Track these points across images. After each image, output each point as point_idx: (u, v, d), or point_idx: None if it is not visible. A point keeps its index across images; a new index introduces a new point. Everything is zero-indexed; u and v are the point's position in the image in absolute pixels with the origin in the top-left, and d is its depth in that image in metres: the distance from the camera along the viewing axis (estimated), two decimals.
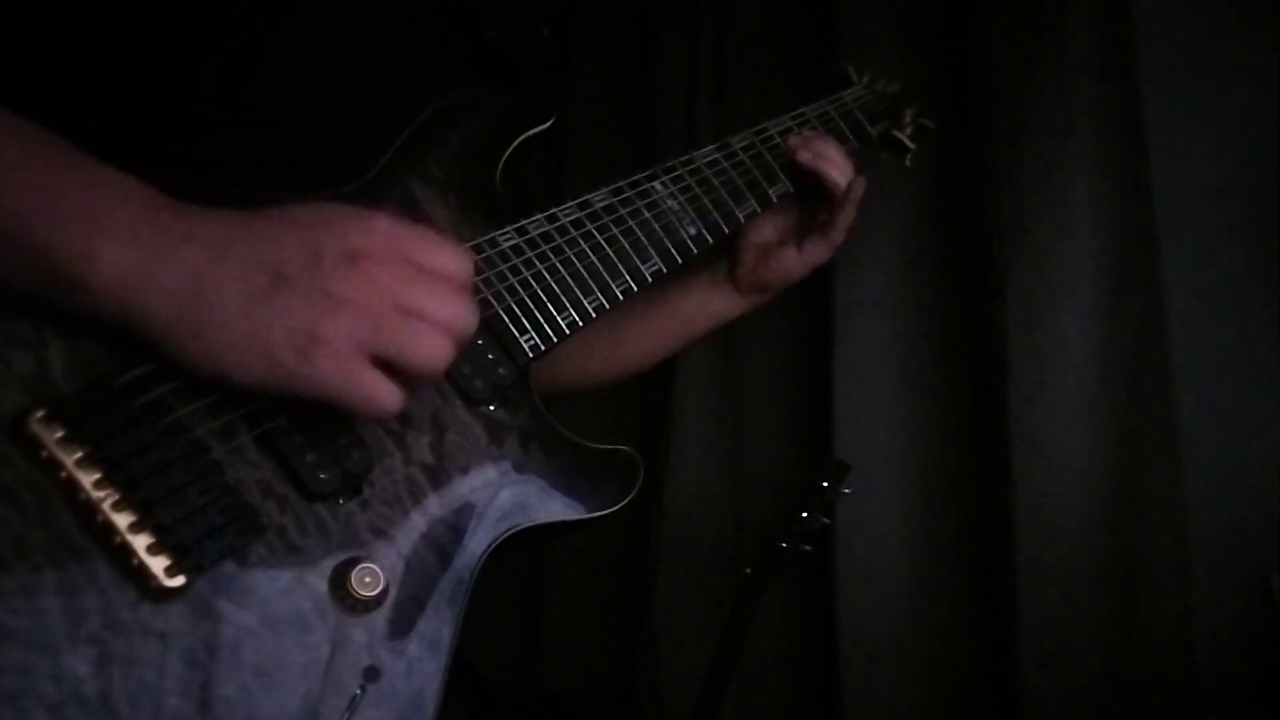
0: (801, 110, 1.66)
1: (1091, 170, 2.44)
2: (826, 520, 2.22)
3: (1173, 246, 2.41)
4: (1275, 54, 2.43)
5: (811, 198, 1.60)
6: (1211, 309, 2.48)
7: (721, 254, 1.62)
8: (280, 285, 0.90)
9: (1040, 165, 2.47)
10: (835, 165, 1.56)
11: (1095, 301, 2.44)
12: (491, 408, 1.16)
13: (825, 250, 1.62)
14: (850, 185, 1.57)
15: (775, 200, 1.55)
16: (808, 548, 2.19)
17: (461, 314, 0.97)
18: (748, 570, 2.22)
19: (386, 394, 0.94)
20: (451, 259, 0.99)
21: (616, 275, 1.31)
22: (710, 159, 1.50)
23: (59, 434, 0.87)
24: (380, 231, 0.95)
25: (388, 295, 0.93)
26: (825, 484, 2.22)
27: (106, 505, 0.88)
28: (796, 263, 1.62)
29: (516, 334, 1.19)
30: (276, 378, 0.92)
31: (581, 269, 1.28)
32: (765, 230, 1.61)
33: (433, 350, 0.95)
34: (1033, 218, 2.48)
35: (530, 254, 1.24)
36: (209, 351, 0.90)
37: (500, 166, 1.29)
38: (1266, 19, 2.44)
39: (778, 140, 1.59)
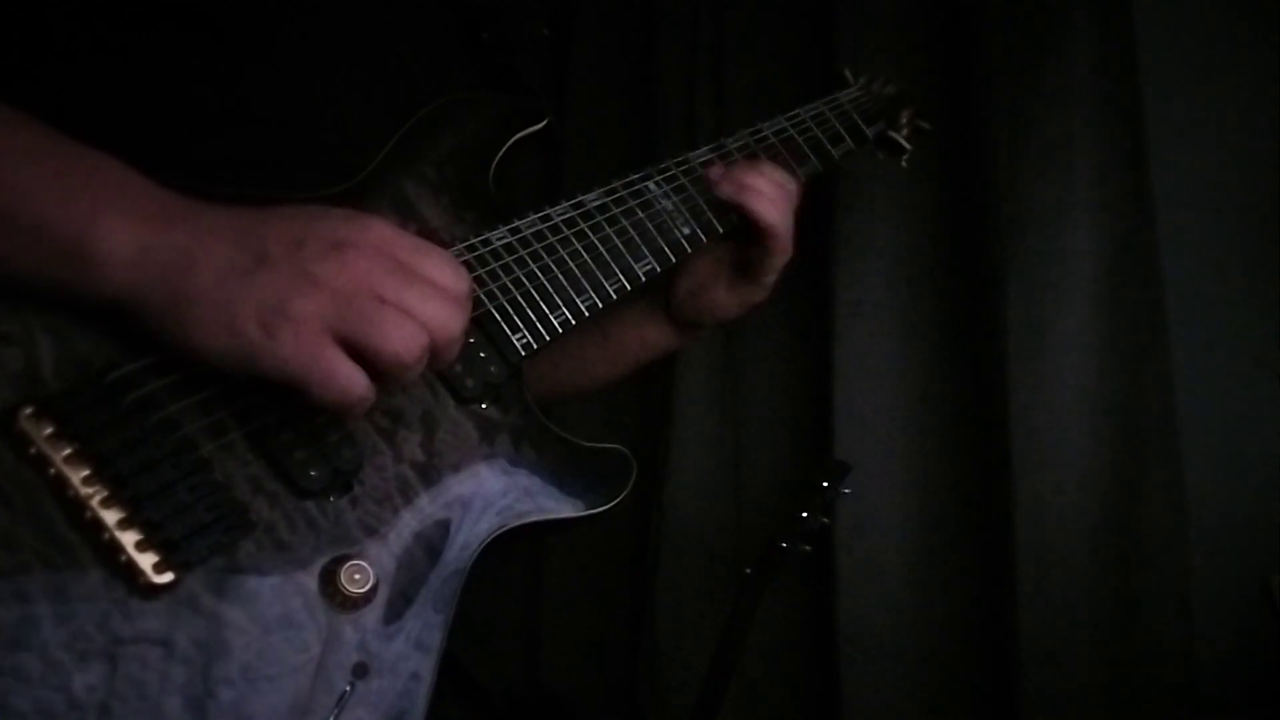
0: (797, 111, 1.66)
1: (1091, 170, 2.44)
2: (826, 520, 2.23)
3: (1173, 246, 2.40)
4: (1275, 54, 2.43)
5: (744, 234, 1.53)
6: (1211, 309, 2.48)
7: (661, 286, 1.59)
8: (260, 263, 0.91)
9: (1040, 165, 2.47)
10: (762, 197, 1.49)
11: (1095, 301, 2.44)
12: (483, 406, 1.16)
13: (759, 291, 1.59)
14: (778, 227, 1.49)
15: None
16: (808, 548, 2.20)
17: (443, 318, 0.95)
18: (748, 570, 2.22)
19: (348, 377, 0.92)
20: (448, 271, 0.98)
21: (610, 274, 1.31)
22: (705, 159, 1.51)
23: (48, 430, 0.88)
24: (374, 230, 0.95)
25: (366, 281, 0.92)
26: (825, 484, 2.22)
27: (95, 502, 0.88)
28: (727, 302, 1.59)
29: (509, 332, 1.20)
30: (240, 351, 0.90)
31: (574, 268, 1.28)
32: (699, 267, 1.57)
33: (403, 340, 0.92)
34: (1033, 218, 2.47)
35: (523, 253, 1.24)
36: (181, 323, 0.90)
37: (493, 166, 1.29)
38: (1266, 19, 2.44)
39: (773, 141, 1.59)
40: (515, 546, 1.15)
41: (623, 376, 1.69)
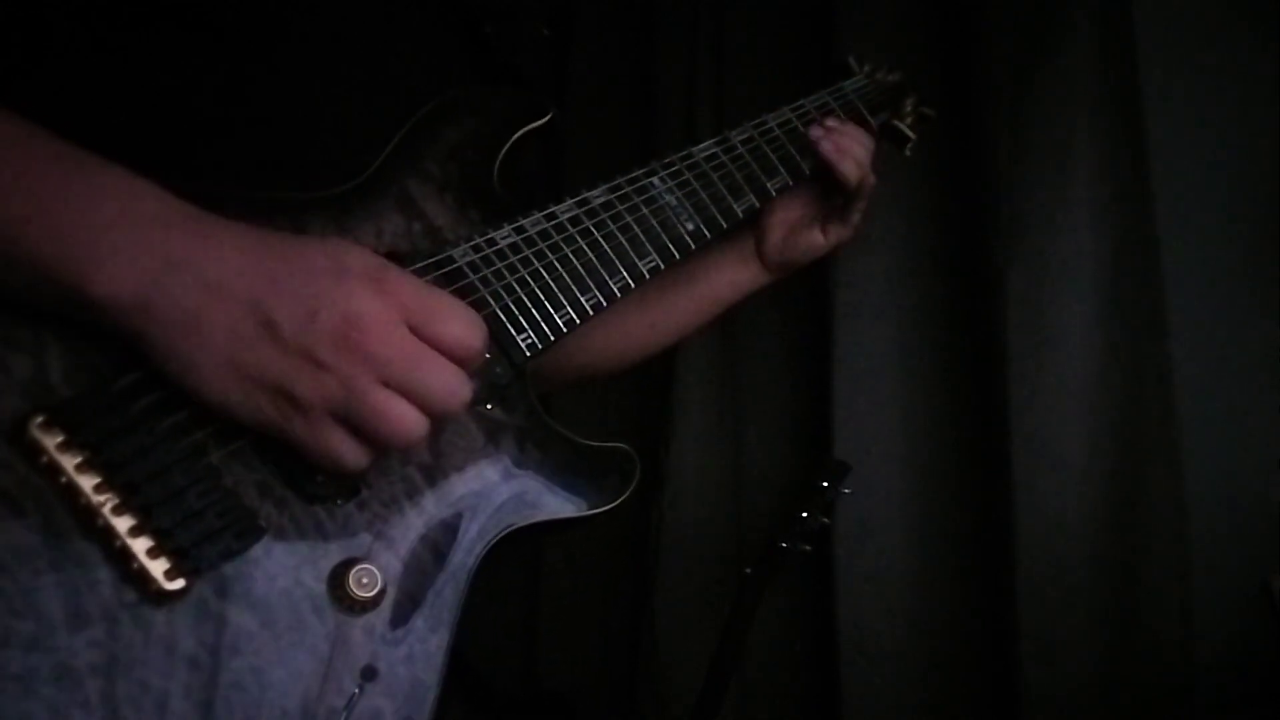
0: (801, 101, 1.66)
1: (1091, 170, 2.44)
2: (826, 520, 2.22)
3: (1173, 246, 2.41)
4: (1275, 54, 2.43)
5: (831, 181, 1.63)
6: (1211, 309, 2.48)
7: (748, 230, 1.65)
8: (269, 335, 0.90)
9: (1040, 165, 2.47)
10: (852, 159, 1.59)
11: (1095, 301, 2.44)
12: (488, 407, 1.16)
13: (847, 231, 1.66)
14: (864, 180, 1.60)
15: (774, 194, 1.55)
16: (808, 548, 2.20)
17: (445, 394, 0.97)
18: (748, 570, 2.22)
19: (350, 457, 0.95)
20: (459, 329, 0.98)
21: (614, 272, 1.30)
22: (709, 153, 1.50)
23: (59, 439, 0.88)
24: (388, 295, 0.94)
25: (371, 367, 0.92)
26: (825, 484, 2.22)
27: (107, 509, 0.88)
28: (821, 242, 1.65)
29: (514, 333, 1.19)
30: (255, 421, 0.93)
31: (579, 266, 1.27)
32: (792, 209, 1.64)
33: (402, 429, 0.94)
34: (1033, 218, 2.48)
35: (528, 252, 1.23)
36: (194, 383, 0.91)
37: (497, 163, 1.29)
38: (1266, 19, 2.44)
39: (778, 133, 1.59)
40: (516, 547, 1.15)
41: (706, 324, 1.75)
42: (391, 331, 0.94)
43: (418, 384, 0.94)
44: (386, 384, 0.93)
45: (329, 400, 0.92)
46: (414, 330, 0.95)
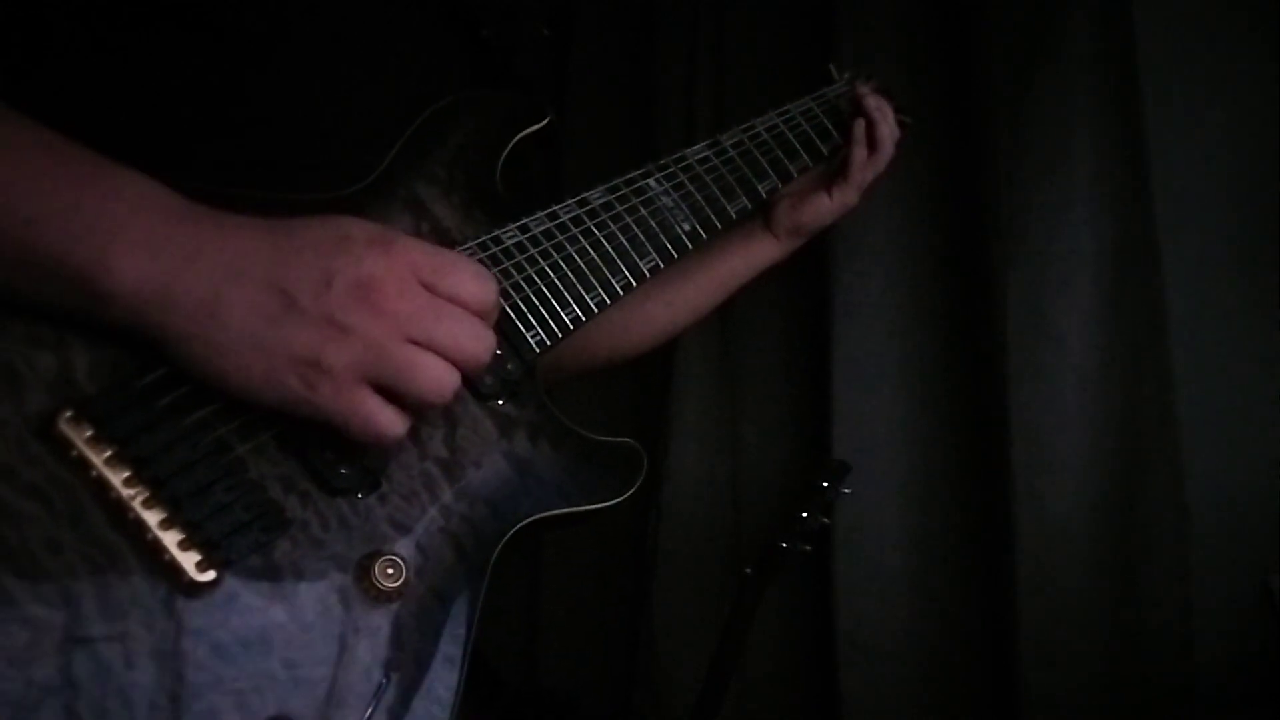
0: (787, 107, 1.70)
1: (1091, 170, 2.45)
2: (826, 520, 2.23)
3: (1173, 246, 2.42)
4: (1275, 54, 2.44)
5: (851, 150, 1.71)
6: (1211, 309, 2.49)
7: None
8: (289, 309, 0.91)
9: (1040, 165, 2.48)
10: (887, 121, 1.73)
11: (1095, 301, 2.45)
12: (500, 402, 1.17)
13: (853, 194, 1.73)
14: (878, 137, 1.72)
15: (765, 196, 1.58)
16: (808, 548, 2.20)
17: (471, 342, 0.98)
18: (748, 570, 2.22)
19: (386, 422, 0.94)
20: (472, 283, 0.99)
21: (616, 272, 1.32)
22: (702, 156, 1.53)
23: (88, 433, 0.88)
24: (397, 255, 0.95)
25: (394, 325, 0.93)
26: (825, 484, 2.22)
27: (137, 503, 0.88)
28: (828, 207, 1.72)
29: (523, 330, 1.21)
30: (282, 400, 0.92)
31: (583, 265, 1.29)
32: (795, 183, 1.68)
33: (435, 382, 0.95)
34: (1033, 218, 2.49)
35: (533, 251, 1.25)
36: (218, 369, 0.91)
37: (499, 165, 1.30)
38: (1266, 19, 2.45)
39: (766, 138, 1.62)
40: (519, 544, 1.15)
41: (722, 301, 1.79)
42: (408, 289, 0.95)
43: (444, 336, 0.95)
44: (412, 341, 0.94)
45: (357, 362, 0.92)
46: (428, 287, 0.96)
